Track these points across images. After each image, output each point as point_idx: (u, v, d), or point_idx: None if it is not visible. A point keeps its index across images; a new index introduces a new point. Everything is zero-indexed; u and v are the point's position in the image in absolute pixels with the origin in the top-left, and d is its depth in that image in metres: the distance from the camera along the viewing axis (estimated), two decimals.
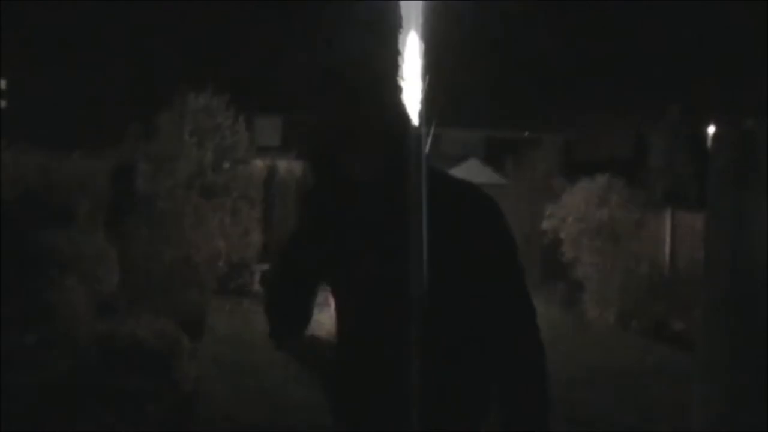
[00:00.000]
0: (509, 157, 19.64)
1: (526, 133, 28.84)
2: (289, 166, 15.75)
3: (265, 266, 13.37)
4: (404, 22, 1.99)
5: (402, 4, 1.96)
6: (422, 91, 2.09)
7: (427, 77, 2.05)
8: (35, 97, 22.21)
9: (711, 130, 19.67)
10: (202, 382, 7.36)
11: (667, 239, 13.19)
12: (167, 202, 13.02)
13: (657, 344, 10.24)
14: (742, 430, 3.71)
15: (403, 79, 2.06)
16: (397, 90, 2.19)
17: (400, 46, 2.01)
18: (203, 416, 6.87)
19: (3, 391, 6.48)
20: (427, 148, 2.07)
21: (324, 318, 3.02)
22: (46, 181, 12.45)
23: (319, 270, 2.46)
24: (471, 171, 23.61)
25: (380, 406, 2.33)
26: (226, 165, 14.03)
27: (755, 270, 3.69)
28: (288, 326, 2.58)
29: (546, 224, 14.26)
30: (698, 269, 6.57)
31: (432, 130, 2.12)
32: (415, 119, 2.03)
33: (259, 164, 15.29)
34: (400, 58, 2.02)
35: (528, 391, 2.32)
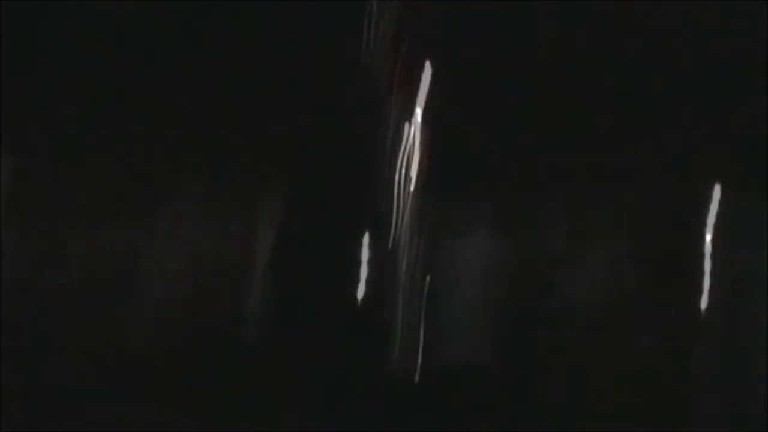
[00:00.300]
0: (516, 226, 19.58)
1: (533, 201, 28.86)
2: None
3: None
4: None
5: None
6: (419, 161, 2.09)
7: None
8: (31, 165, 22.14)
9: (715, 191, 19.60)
10: None
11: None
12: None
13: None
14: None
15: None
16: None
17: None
18: None
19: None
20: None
21: None
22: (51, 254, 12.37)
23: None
24: (477, 242, 23.52)
25: None
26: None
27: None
28: None
29: (553, 294, 14.17)
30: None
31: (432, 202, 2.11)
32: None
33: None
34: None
35: None
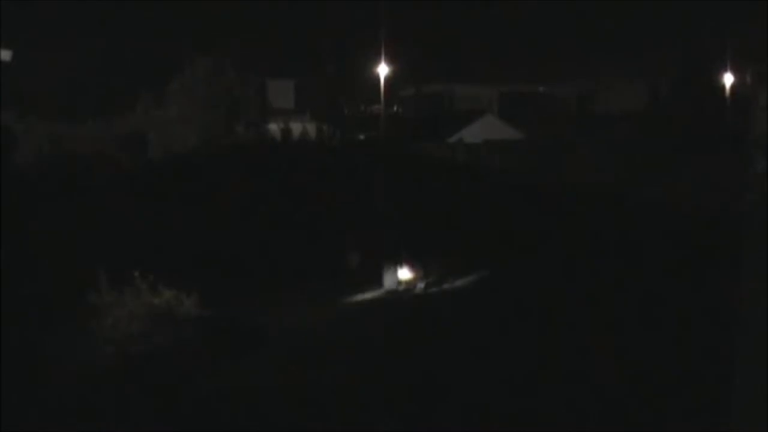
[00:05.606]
0: (523, 112, 19.47)
1: (541, 89, 28.68)
2: (303, 129, 15.62)
3: None
4: None
5: None
6: None
7: None
8: (43, 68, 21.85)
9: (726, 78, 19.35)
10: None
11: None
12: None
13: None
14: None
15: None
16: None
17: None
18: None
19: None
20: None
21: None
22: (60, 150, 12.43)
23: None
24: (486, 127, 23.42)
25: None
26: (240, 128, 13.95)
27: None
28: None
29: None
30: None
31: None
32: None
33: (272, 127, 15.19)
34: None
35: None
